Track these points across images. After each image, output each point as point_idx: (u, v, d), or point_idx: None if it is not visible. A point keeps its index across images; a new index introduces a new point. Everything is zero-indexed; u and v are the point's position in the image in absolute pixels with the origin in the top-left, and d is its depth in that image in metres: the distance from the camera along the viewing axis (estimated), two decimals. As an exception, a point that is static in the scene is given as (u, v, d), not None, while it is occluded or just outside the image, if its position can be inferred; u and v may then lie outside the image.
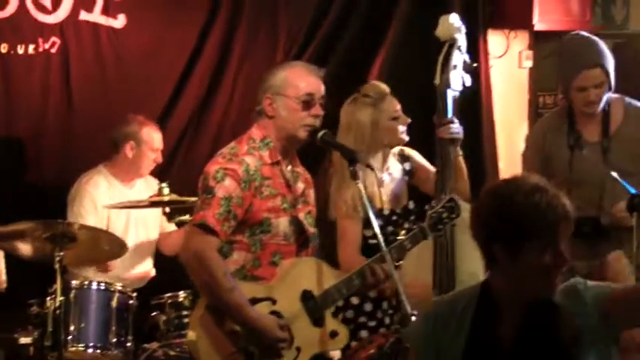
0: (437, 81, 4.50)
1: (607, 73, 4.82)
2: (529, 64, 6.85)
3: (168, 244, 5.68)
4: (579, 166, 4.85)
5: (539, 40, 6.83)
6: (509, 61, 6.83)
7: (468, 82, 4.58)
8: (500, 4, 6.66)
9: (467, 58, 4.59)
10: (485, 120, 6.59)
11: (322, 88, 4.03)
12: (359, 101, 4.64)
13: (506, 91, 6.83)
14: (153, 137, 5.54)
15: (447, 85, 4.47)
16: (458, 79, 4.50)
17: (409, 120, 4.65)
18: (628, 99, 5.01)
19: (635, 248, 4.49)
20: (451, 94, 4.48)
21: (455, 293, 3.03)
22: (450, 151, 4.43)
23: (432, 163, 4.67)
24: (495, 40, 6.75)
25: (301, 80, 4.00)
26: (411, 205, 4.70)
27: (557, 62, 5.11)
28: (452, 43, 4.52)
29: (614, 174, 4.57)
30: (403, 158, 4.76)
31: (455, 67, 4.48)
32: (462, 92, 4.52)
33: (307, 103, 3.97)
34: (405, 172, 4.75)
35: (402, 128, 4.63)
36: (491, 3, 6.64)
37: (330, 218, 4.61)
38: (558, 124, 4.98)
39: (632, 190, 4.49)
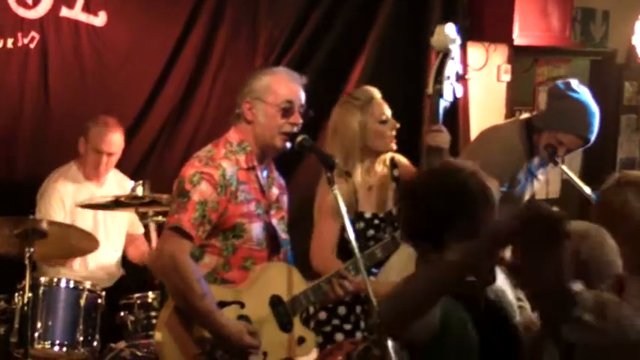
0: (429, 90, 4.49)
1: (585, 146, 4.91)
2: (507, 77, 6.89)
3: (132, 249, 5.67)
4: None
5: (518, 55, 6.87)
6: (487, 73, 6.87)
7: (459, 93, 4.59)
8: (480, 17, 6.69)
9: (459, 68, 4.60)
10: (461, 131, 6.61)
11: (303, 96, 4.01)
12: (347, 104, 4.63)
13: (483, 104, 6.86)
14: (102, 139, 5.39)
15: (439, 94, 4.45)
16: (449, 89, 4.51)
17: (398, 125, 4.62)
18: None
19: None
20: (442, 104, 4.48)
21: None
22: (436, 160, 4.43)
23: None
24: (475, 53, 6.78)
25: (282, 87, 3.97)
26: (395, 211, 4.66)
27: (557, 100, 4.92)
28: (446, 53, 4.51)
29: (589, 191, 4.65)
30: (393, 165, 4.73)
31: (448, 77, 4.49)
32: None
33: (286, 111, 3.95)
34: (394, 179, 4.74)
35: (390, 133, 4.61)
36: (470, 15, 6.67)
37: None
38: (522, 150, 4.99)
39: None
